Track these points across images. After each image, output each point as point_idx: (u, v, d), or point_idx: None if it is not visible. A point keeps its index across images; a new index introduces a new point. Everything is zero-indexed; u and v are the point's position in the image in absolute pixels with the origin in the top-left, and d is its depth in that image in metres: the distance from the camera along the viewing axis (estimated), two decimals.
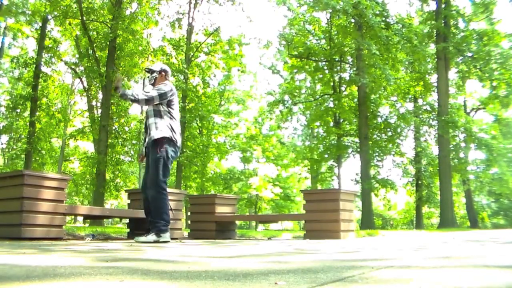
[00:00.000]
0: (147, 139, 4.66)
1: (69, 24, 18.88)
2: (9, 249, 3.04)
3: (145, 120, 4.84)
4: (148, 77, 4.87)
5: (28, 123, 18.12)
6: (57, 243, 4.08)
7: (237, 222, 7.58)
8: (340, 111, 20.98)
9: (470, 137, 20.13)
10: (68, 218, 12.61)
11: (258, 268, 1.91)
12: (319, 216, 5.76)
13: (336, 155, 21.80)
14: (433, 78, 21.53)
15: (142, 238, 4.40)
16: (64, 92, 23.33)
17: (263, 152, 31.34)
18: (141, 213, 5.49)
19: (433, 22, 20.03)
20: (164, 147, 4.51)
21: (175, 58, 19.51)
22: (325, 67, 21.09)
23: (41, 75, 17.99)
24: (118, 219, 21.24)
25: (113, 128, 18.09)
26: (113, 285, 1.38)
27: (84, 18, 16.92)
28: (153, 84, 4.80)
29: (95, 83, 18.96)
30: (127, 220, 6.19)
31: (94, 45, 17.56)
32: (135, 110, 26.12)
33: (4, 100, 22.63)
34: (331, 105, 21.65)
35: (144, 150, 4.79)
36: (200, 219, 6.39)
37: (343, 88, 21.68)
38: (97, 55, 17.49)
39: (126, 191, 6.59)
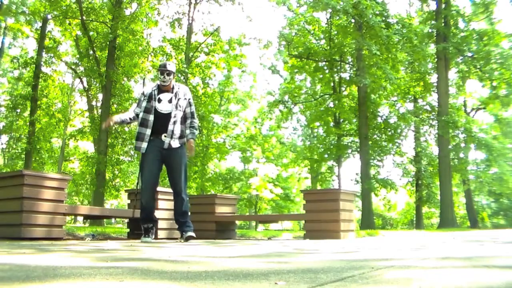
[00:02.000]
0: (169, 141, 4.66)
1: (69, 24, 18.87)
2: (9, 249, 3.04)
3: (160, 119, 4.69)
4: (164, 77, 4.76)
5: (28, 123, 18.13)
6: (57, 243, 4.08)
7: (237, 222, 7.58)
8: (340, 111, 20.97)
9: (470, 137, 20.13)
10: (68, 218, 12.62)
11: (258, 268, 1.91)
12: (319, 216, 5.76)
13: (336, 155, 21.80)
14: (433, 78, 21.53)
15: (192, 235, 4.75)
16: (64, 92, 23.32)
17: (263, 152, 31.34)
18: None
19: (433, 22, 20.03)
20: None
21: (175, 58, 19.50)
22: (325, 67, 21.09)
23: (41, 75, 17.99)
24: (115, 219, 21.23)
25: (113, 128, 18.08)
26: (113, 285, 1.38)
27: (84, 18, 16.91)
28: (168, 86, 4.77)
29: (95, 83, 18.96)
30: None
31: (94, 45, 17.55)
32: None
33: (4, 100, 22.65)
34: (331, 105, 21.64)
35: (160, 149, 4.69)
36: (200, 219, 6.38)
37: (343, 88, 21.68)
38: (97, 55, 17.48)
39: (126, 191, 6.59)
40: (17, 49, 23.21)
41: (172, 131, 4.68)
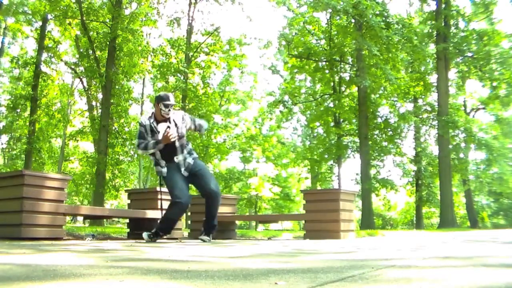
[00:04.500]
0: (190, 161, 4.72)
1: (69, 24, 18.88)
2: (9, 249, 3.04)
3: (165, 149, 4.67)
4: (169, 110, 4.62)
5: (28, 123, 18.13)
6: (57, 243, 4.08)
7: (237, 222, 7.57)
8: (340, 111, 20.98)
9: (470, 137, 20.13)
10: (68, 218, 12.62)
11: (258, 268, 1.91)
12: (319, 216, 5.76)
13: (336, 155, 21.80)
14: (433, 78, 21.53)
15: (207, 238, 4.87)
16: (64, 92, 23.32)
17: (263, 152, 31.34)
18: (141, 213, 5.52)
19: (433, 22, 20.03)
20: None
21: (175, 58, 19.49)
22: (325, 67, 21.09)
23: (41, 75, 17.99)
24: (115, 219, 21.22)
25: (113, 128, 18.08)
26: (113, 285, 1.38)
27: (84, 18, 16.92)
28: (168, 118, 4.68)
29: (95, 83, 18.96)
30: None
31: (94, 45, 17.55)
32: (135, 110, 26.10)
33: (4, 100, 22.64)
34: (331, 105, 21.64)
35: (186, 166, 4.72)
36: (200, 219, 6.36)
37: (343, 88, 21.68)
38: (97, 55, 17.48)
39: (126, 191, 6.58)
40: (16, 47, 23.25)
41: (184, 159, 4.70)
